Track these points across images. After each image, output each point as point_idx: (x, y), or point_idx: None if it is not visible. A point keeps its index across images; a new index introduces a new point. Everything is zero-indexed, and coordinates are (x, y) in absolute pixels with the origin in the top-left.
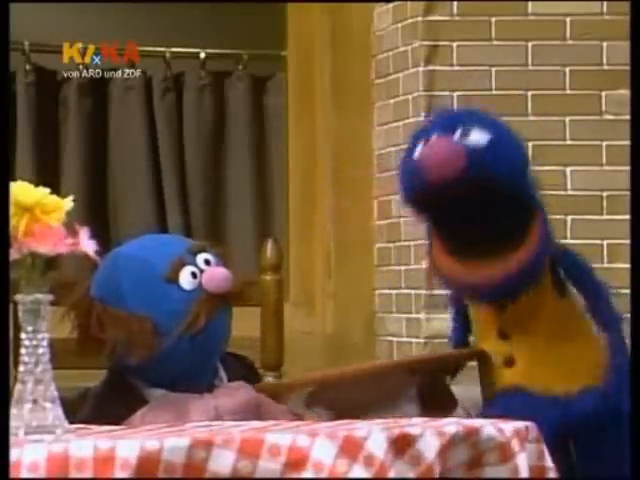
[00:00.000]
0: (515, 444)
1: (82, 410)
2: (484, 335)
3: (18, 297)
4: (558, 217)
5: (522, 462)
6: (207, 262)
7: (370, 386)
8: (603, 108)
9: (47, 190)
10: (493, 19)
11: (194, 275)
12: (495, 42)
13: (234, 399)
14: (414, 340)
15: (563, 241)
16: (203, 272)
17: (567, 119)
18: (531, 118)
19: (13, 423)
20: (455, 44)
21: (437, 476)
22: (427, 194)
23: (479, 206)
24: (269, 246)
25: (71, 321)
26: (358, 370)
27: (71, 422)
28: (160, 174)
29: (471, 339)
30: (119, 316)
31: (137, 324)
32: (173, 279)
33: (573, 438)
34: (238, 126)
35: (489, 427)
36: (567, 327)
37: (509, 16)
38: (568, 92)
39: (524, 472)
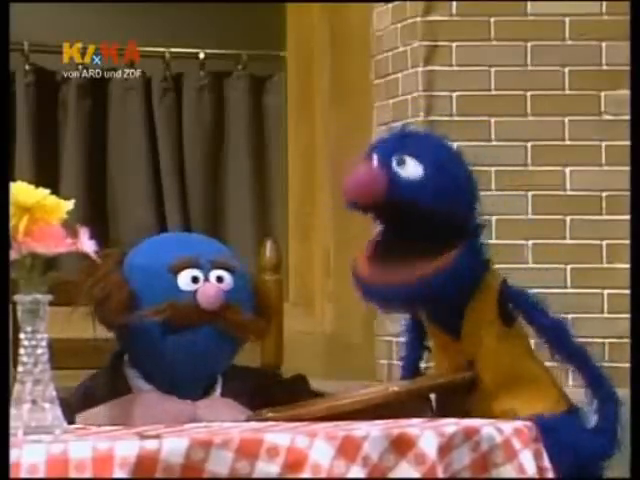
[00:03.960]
0: (516, 442)
1: (75, 393)
2: (452, 362)
3: (17, 297)
4: (558, 217)
5: (526, 460)
6: (219, 279)
7: (381, 415)
8: (602, 108)
9: (47, 191)
10: (492, 19)
11: (195, 280)
12: (494, 42)
13: (215, 414)
14: None
15: (562, 241)
16: (203, 283)
17: (566, 119)
18: (530, 118)
19: (12, 423)
20: (454, 44)
21: (440, 476)
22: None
23: (401, 227)
24: (268, 246)
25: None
26: (370, 400)
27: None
28: (160, 174)
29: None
30: (113, 276)
31: (118, 288)
32: (173, 272)
33: None
34: (237, 126)
35: (488, 427)
36: (519, 361)
37: (508, 16)
38: (567, 92)
39: (530, 470)
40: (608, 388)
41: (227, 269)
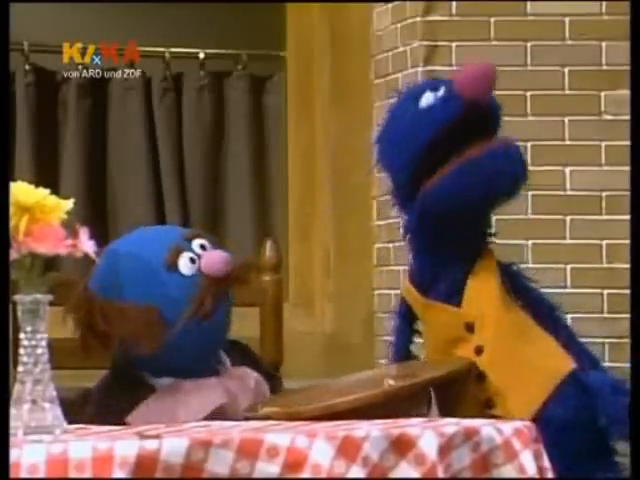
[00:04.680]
0: (516, 443)
1: (88, 406)
2: (450, 331)
3: (17, 297)
4: (557, 217)
5: (526, 460)
6: (203, 247)
7: (382, 412)
8: (602, 108)
9: (47, 191)
10: (492, 19)
11: (192, 260)
12: (494, 42)
13: (243, 384)
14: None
15: (562, 241)
16: (201, 257)
17: (566, 119)
18: (530, 118)
19: (12, 423)
20: (454, 44)
21: (440, 476)
22: (458, 120)
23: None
24: (268, 246)
25: (73, 321)
26: (370, 397)
27: (73, 421)
28: (159, 174)
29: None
30: (125, 309)
31: (144, 315)
32: (173, 266)
33: None
34: (237, 126)
35: (488, 427)
36: (523, 322)
37: (508, 16)
38: (567, 92)
39: (530, 470)
40: (594, 359)
41: (198, 236)
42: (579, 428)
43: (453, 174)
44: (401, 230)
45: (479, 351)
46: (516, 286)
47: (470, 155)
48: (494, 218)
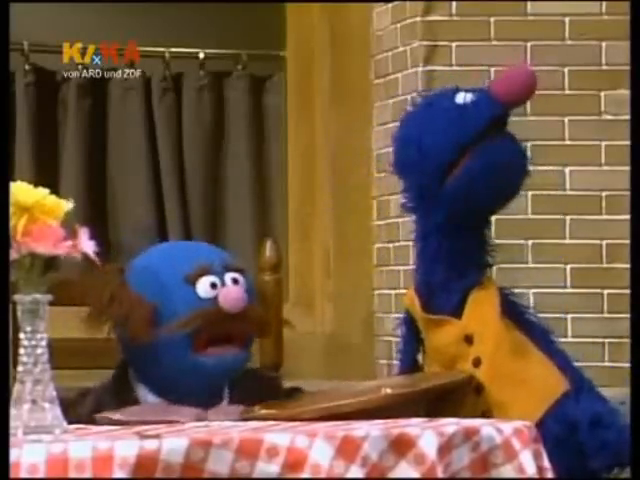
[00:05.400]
0: (516, 443)
1: (84, 404)
2: (450, 345)
3: (17, 297)
4: (557, 217)
5: (526, 460)
6: (235, 281)
7: (376, 416)
8: (602, 108)
9: (47, 191)
10: (492, 19)
11: (213, 286)
12: (494, 42)
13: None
14: None
15: (562, 241)
16: (224, 287)
17: (566, 119)
18: (530, 118)
19: (12, 423)
20: (454, 44)
21: (440, 476)
22: (494, 120)
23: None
24: (268, 246)
25: (96, 294)
26: (367, 403)
27: (72, 417)
28: (159, 174)
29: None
30: (127, 294)
31: (138, 305)
32: (191, 282)
33: None
34: (237, 126)
35: (488, 427)
36: (520, 340)
37: (508, 16)
38: (567, 92)
39: (530, 470)
40: (588, 382)
41: (239, 271)
42: (570, 449)
43: (475, 156)
44: (417, 233)
45: (477, 363)
46: (510, 309)
47: (487, 142)
48: (494, 218)
